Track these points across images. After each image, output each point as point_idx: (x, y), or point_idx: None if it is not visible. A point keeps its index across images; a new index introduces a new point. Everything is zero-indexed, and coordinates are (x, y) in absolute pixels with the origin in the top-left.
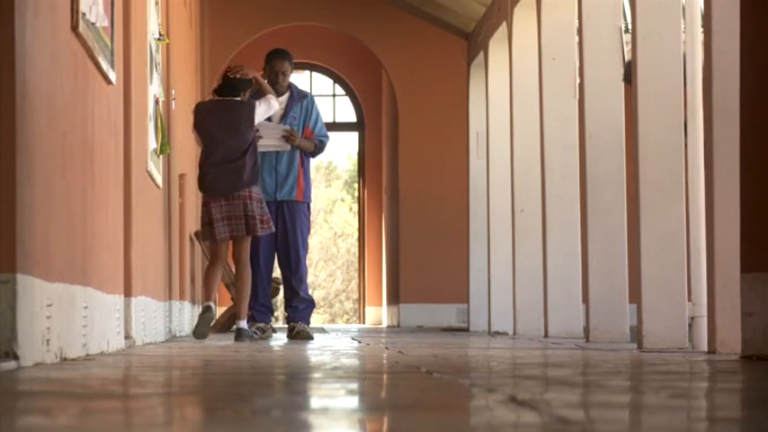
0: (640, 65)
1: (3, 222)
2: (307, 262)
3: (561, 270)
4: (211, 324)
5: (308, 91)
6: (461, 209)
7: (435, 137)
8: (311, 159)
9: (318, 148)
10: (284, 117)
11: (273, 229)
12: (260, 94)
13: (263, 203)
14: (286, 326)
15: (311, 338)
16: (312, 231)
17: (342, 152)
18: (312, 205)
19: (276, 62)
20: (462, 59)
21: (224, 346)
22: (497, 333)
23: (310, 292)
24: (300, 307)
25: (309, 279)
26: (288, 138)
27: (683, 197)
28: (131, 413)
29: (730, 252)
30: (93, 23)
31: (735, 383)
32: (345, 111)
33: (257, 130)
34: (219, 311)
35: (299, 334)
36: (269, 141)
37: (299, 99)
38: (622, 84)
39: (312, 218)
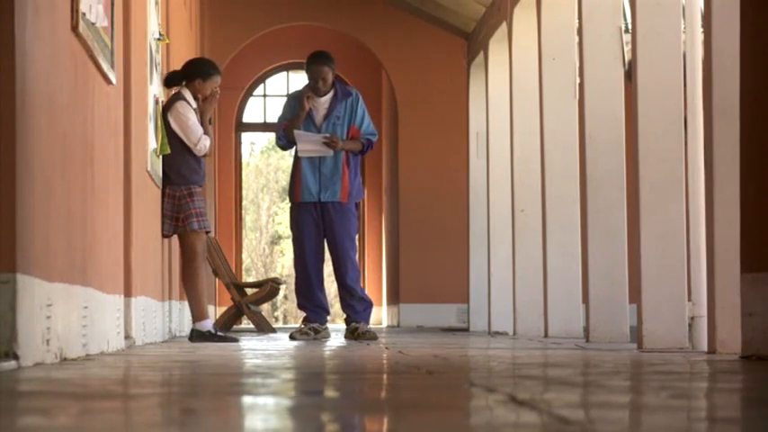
0: (640, 64)
1: (3, 222)
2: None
3: (561, 270)
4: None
5: (354, 88)
6: (461, 209)
7: (435, 137)
8: (359, 158)
9: (366, 146)
10: (327, 117)
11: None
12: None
13: None
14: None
15: (375, 339)
16: None
17: None
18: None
19: (314, 68)
20: (462, 59)
21: (222, 346)
22: (497, 333)
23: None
24: (358, 307)
25: None
26: (329, 144)
27: (682, 197)
28: (131, 413)
29: (730, 252)
30: (93, 23)
31: (735, 383)
32: None
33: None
34: (219, 311)
35: (363, 335)
36: (308, 147)
37: (343, 98)
38: (622, 84)
39: None
